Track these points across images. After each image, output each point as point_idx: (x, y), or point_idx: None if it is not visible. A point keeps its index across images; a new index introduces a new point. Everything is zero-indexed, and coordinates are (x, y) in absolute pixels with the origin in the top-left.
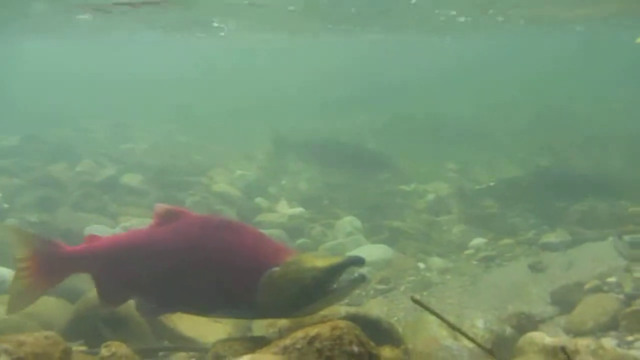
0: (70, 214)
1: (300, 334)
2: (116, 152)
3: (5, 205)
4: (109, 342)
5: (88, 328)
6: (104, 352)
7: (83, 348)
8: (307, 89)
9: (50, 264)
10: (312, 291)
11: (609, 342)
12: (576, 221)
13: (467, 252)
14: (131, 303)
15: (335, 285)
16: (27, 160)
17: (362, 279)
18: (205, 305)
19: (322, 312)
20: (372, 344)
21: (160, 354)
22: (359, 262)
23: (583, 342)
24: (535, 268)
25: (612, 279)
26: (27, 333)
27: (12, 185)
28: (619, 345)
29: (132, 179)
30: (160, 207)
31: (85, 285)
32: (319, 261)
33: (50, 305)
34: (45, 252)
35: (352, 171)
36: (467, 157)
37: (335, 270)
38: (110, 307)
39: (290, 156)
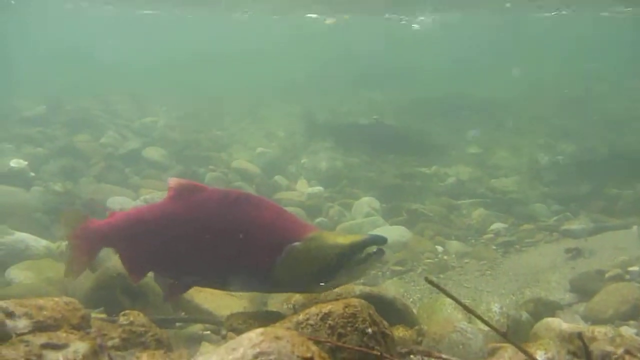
0: (94, 185)
1: (313, 310)
2: (139, 125)
3: (32, 174)
4: (127, 311)
5: (108, 296)
6: (122, 320)
7: (102, 315)
8: (333, 69)
9: (83, 241)
10: (333, 268)
11: (627, 330)
12: (600, 208)
13: (486, 236)
14: (150, 274)
15: (354, 262)
16: (52, 130)
17: (381, 253)
18: (224, 278)
19: (337, 291)
20: (385, 323)
21: (177, 324)
22: (381, 241)
23: (600, 330)
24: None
25: (634, 268)
26: (47, 298)
27: (38, 154)
28: (638, 334)
29: (154, 153)
30: (174, 181)
31: (105, 254)
32: (341, 238)
33: None
34: (80, 229)
35: (393, 155)
36: (490, 140)
37: (357, 248)
38: (137, 278)
39: (322, 136)
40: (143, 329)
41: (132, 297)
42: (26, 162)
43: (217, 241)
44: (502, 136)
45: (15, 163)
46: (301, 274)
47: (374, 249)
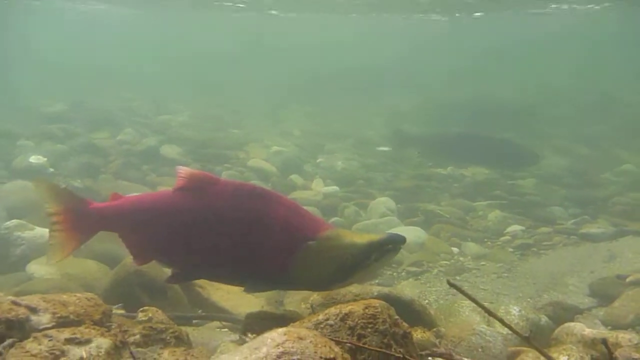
0: (112, 182)
1: (333, 310)
2: (156, 122)
3: (51, 170)
4: (146, 307)
5: (126, 293)
6: (141, 316)
7: (121, 311)
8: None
9: (78, 220)
10: (349, 267)
11: None
12: (619, 212)
13: (503, 238)
14: (168, 271)
15: (371, 261)
16: (72, 127)
17: (394, 250)
18: (234, 274)
19: (355, 291)
20: (405, 324)
21: (195, 321)
22: (400, 240)
23: (624, 336)
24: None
25: None
26: (69, 293)
27: (58, 150)
28: None
29: (171, 151)
30: (184, 170)
31: (124, 251)
32: (358, 237)
33: (91, 269)
34: (73, 207)
35: (494, 165)
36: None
37: (375, 248)
38: (139, 263)
39: (412, 149)
40: (163, 325)
41: (150, 294)
42: (45, 158)
43: (228, 235)
44: (522, 138)
45: (35, 159)
46: (316, 273)
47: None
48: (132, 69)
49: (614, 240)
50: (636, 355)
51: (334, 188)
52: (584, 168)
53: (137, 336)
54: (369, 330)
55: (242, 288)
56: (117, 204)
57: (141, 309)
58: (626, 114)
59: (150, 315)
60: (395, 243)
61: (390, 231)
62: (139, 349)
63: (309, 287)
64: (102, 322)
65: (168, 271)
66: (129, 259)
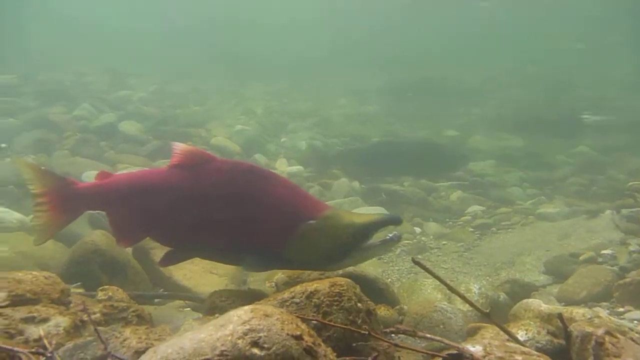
0: (68, 158)
1: (299, 288)
2: (114, 98)
3: (3, 145)
4: (105, 286)
5: (84, 272)
6: (101, 295)
7: (80, 290)
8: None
9: (63, 200)
10: (348, 247)
11: (600, 311)
12: (574, 193)
13: (463, 218)
14: (129, 250)
15: (370, 243)
16: (24, 101)
17: (398, 238)
18: (230, 252)
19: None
20: (370, 302)
21: (156, 301)
22: (396, 221)
23: (579, 311)
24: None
25: (607, 251)
26: (25, 271)
27: (9, 125)
28: (609, 315)
29: (130, 127)
30: (180, 147)
31: (82, 229)
32: (357, 217)
33: (47, 247)
34: (58, 188)
35: (426, 173)
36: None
37: (372, 228)
38: (125, 245)
39: (333, 168)
40: (124, 304)
41: (110, 273)
42: None
43: (225, 213)
44: (477, 120)
45: None
46: (315, 252)
47: (389, 231)
48: (84, 42)
49: (568, 219)
50: (589, 329)
51: (297, 168)
52: (539, 150)
53: (98, 314)
54: (335, 307)
55: (213, 268)
56: (105, 183)
57: (101, 287)
58: (578, 98)
59: (110, 294)
60: (392, 223)
61: (354, 211)
62: (100, 328)
63: (306, 267)
64: (61, 301)
65: (129, 250)
66: (87, 238)
